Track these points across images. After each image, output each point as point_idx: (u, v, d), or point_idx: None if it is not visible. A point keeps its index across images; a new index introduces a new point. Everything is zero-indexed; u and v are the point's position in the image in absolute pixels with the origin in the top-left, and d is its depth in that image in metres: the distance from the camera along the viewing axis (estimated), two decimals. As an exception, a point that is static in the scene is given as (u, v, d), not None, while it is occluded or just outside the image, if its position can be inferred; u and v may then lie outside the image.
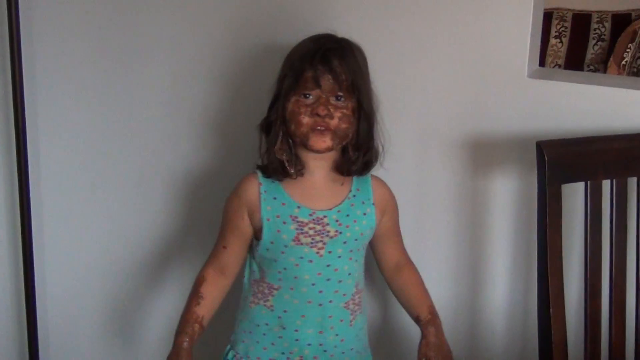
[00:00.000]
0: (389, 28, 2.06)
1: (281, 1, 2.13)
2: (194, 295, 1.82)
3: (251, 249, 1.85)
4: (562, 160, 1.73)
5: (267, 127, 1.80)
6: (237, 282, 1.89)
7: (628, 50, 4.18)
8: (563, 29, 4.62)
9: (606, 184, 1.79)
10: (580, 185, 1.78)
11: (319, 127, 1.72)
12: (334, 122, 1.72)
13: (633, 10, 4.59)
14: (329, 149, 1.74)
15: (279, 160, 1.77)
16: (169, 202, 2.35)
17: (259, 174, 1.82)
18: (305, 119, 1.72)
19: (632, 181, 1.81)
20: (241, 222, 1.81)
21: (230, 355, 1.88)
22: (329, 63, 1.71)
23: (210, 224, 1.96)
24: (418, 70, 2.06)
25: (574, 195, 1.86)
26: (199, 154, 2.29)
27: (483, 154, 2.04)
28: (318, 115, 1.71)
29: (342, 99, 1.73)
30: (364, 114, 1.77)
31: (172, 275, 2.37)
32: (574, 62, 4.56)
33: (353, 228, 1.80)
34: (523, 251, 2.06)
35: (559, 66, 4.58)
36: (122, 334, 2.45)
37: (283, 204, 1.78)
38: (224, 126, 2.25)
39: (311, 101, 1.73)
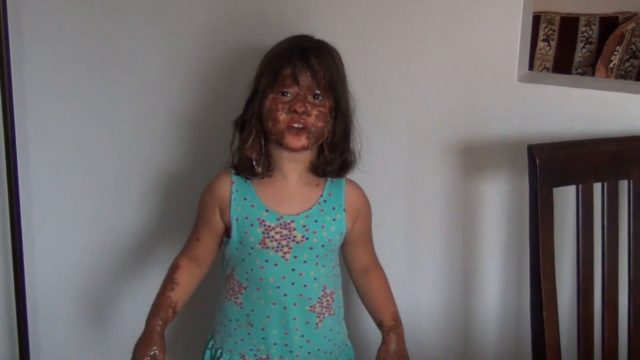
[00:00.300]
0: (379, 32, 2.06)
1: (265, 3, 2.13)
2: (169, 281, 1.83)
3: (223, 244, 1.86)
4: (553, 164, 1.73)
5: (241, 124, 1.80)
6: (216, 274, 1.90)
7: (616, 53, 4.20)
8: (551, 32, 4.64)
9: (597, 187, 1.79)
10: (572, 189, 1.78)
11: (295, 124, 1.71)
12: (310, 120, 1.72)
13: (620, 13, 4.61)
14: (304, 148, 1.74)
15: (248, 158, 1.78)
16: (153, 199, 2.37)
17: (232, 172, 1.82)
18: (282, 116, 1.72)
19: (623, 184, 1.81)
20: (212, 217, 1.83)
21: (210, 344, 1.93)
22: (308, 60, 1.72)
23: (190, 220, 1.96)
24: (408, 74, 2.06)
25: (566, 198, 1.86)
26: (180, 153, 2.31)
27: (474, 157, 2.04)
28: (295, 112, 1.71)
29: (320, 97, 1.73)
30: (340, 114, 1.77)
31: (155, 268, 2.36)
32: (562, 65, 4.58)
33: (320, 234, 1.80)
34: (515, 254, 2.06)
35: (547, 69, 4.60)
36: (108, 329, 2.49)
37: (252, 205, 1.79)
38: (204, 125, 2.26)
39: (289, 99, 1.72)
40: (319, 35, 1.82)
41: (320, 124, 1.73)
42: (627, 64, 4.13)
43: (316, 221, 1.80)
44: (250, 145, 1.77)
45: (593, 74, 4.44)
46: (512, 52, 1.98)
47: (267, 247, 1.78)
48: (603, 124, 1.92)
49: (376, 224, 2.00)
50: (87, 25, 2.26)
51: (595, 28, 4.59)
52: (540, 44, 4.63)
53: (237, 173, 1.81)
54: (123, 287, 2.45)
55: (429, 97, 2.06)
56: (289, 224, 1.78)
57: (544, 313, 1.73)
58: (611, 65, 4.18)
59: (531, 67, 4.54)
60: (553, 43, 4.63)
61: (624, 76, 4.12)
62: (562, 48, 4.62)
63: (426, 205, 2.13)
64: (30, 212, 2.41)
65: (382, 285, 1.92)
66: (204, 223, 1.84)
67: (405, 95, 2.08)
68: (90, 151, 2.36)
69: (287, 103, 1.72)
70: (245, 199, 1.79)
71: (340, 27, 2.06)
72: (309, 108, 1.72)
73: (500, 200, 2.05)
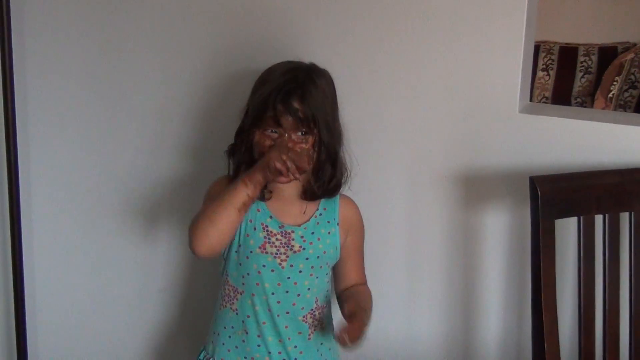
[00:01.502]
0: (381, 61, 2.07)
1: (263, 27, 2.14)
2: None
3: None
4: (555, 195, 1.74)
5: (233, 153, 1.88)
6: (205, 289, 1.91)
7: (615, 82, 4.21)
8: (550, 61, 4.66)
9: (599, 219, 1.80)
10: (573, 220, 1.79)
11: None
12: None
13: (619, 43, 4.63)
14: (290, 181, 1.77)
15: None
16: (155, 225, 2.38)
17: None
18: (266, 152, 1.77)
19: (625, 216, 1.82)
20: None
21: (202, 355, 1.96)
22: (288, 104, 1.76)
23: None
24: (410, 105, 2.07)
25: (567, 229, 1.86)
26: (183, 170, 2.32)
27: (475, 188, 2.04)
28: None
29: (304, 133, 1.79)
30: (324, 147, 1.82)
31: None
32: (561, 95, 4.60)
33: (317, 246, 1.85)
34: (516, 285, 2.06)
35: (546, 99, 4.61)
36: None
37: (258, 210, 1.84)
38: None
39: (275, 136, 1.79)
40: (318, 62, 1.85)
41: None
42: (626, 94, 4.14)
43: (312, 233, 1.86)
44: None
45: (592, 104, 4.46)
46: (514, 83, 1.99)
47: (266, 252, 1.83)
48: (604, 156, 1.93)
49: (377, 252, 2.01)
50: (92, 33, 2.30)
51: (595, 58, 4.61)
52: (540, 74, 4.65)
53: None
54: (123, 321, 2.46)
55: (431, 128, 2.07)
56: (289, 233, 1.84)
57: (545, 344, 1.73)
58: (610, 95, 4.20)
59: (530, 97, 4.56)
60: (552, 72, 4.65)
61: (623, 106, 4.13)
62: (561, 78, 4.64)
63: (427, 235, 2.13)
64: (31, 237, 2.42)
65: (364, 292, 1.93)
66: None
67: (406, 125, 2.09)
68: (92, 179, 2.38)
69: (275, 140, 1.78)
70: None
71: (340, 55, 2.07)
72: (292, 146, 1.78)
73: (501, 231, 2.05)
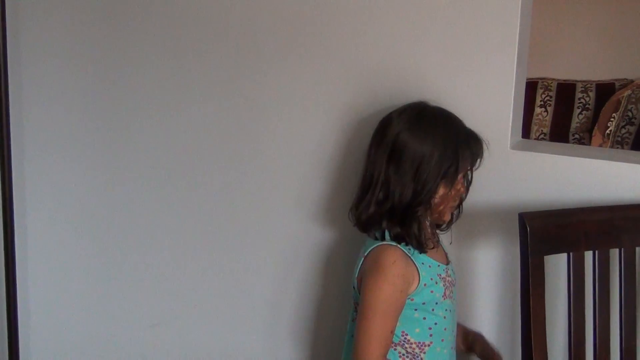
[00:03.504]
0: (374, 98, 2.09)
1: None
2: None
3: None
4: (544, 232, 1.75)
5: (411, 209, 1.84)
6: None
7: (612, 119, 4.23)
8: (548, 98, 4.68)
9: (589, 255, 1.80)
10: (563, 256, 1.79)
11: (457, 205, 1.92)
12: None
13: (617, 80, 4.66)
14: None
15: (422, 236, 1.86)
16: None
17: (397, 244, 1.85)
18: (453, 201, 1.88)
19: (614, 252, 1.82)
20: (404, 297, 1.84)
21: None
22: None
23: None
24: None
25: (558, 265, 1.87)
26: (182, 207, 2.31)
27: (466, 224, 2.05)
28: (460, 196, 1.90)
29: None
30: None
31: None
32: (559, 131, 4.61)
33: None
34: (507, 322, 2.05)
35: (544, 135, 4.62)
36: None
37: (429, 266, 1.87)
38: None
39: (459, 185, 1.87)
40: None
41: None
42: (623, 131, 4.15)
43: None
44: (424, 226, 1.87)
45: (590, 140, 4.47)
46: (505, 119, 2.00)
47: (446, 297, 1.89)
48: (595, 192, 1.93)
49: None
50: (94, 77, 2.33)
51: (592, 94, 4.63)
52: (538, 110, 4.67)
53: (406, 244, 1.85)
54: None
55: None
56: (447, 270, 1.92)
57: (535, 383, 1.73)
58: (607, 131, 4.21)
59: (528, 133, 4.58)
60: (550, 109, 4.67)
61: (620, 142, 4.14)
62: (559, 114, 4.65)
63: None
64: (25, 244, 2.45)
65: None
66: (397, 309, 1.83)
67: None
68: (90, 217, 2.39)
69: (458, 190, 1.87)
70: (422, 263, 1.86)
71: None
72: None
73: (492, 268, 2.05)
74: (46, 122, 2.39)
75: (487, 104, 1.99)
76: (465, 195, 1.91)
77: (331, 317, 2.23)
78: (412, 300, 1.83)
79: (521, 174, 2.00)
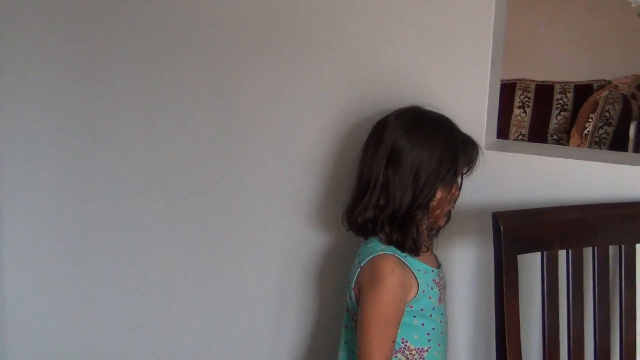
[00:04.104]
0: (349, 111, 2.10)
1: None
2: None
3: None
4: (518, 231, 1.75)
5: (410, 213, 1.84)
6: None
7: (590, 120, 4.25)
8: (526, 99, 4.70)
9: (562, 254, 1.81)
10: (537, 255, 1.80)
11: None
12: None
13: (595, 81, 4.69)
14: None
15: (417, 239, 1.86)
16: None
17: (396, 252, 1.85)
18: (448, 204, 1.89)
19: (588, 251, 1.83)
20: (403, 305, 1.84)
21: None
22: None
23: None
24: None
25: (532, 264, 1.87)
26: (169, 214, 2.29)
27: (442, 224, 2.06)
28: (455, 199, 1.91)
29: None
30: None
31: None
32: (538, 132, 4.63)
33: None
34: (484, 321, 2.06)
35: (523, 136, 4.65)
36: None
37: (425, 272, 1.87)
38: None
39: (455, 188, 1.89)
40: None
41: None
42: (601, 131, 4.18)
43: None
44: (421, 230, 1.87)
45: (568, 141, 4.49)
46: (480, 120, 2.01)
47: (442, 301, 1.91)
48: (571, 192, 1.94)
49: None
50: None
51: (570, 95, 4.66)
52: (516, 111, 4.69)
53: (403, 251, 1.86)
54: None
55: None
56: (439, 274, 1.93)
57: (509, 381, 1.73)
58: (585, 132, 4.23)
59: (507, 134, 4.60)
60: (529, 110, 4.69)
61: (598, 143, 4.17)
62: (538, 115, 4.68)
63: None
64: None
65: None
66: (398, 318, 1.83)
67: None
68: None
69: (453, 194, 1.89)
70: (419, 270, 1.86)
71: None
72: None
73: (468, 267, 2.06)
74: (24, 126, 2.39)
75: (461, 104, 2.00)
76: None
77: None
78: (411, 307, 1.84)
79: (496, 174, 2.00)
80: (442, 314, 1.91)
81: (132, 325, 2.39)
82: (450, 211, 1.94)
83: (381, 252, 1.84)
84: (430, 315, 1.87)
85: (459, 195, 1.91)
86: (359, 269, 1.86)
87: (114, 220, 2.38)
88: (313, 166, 2.16)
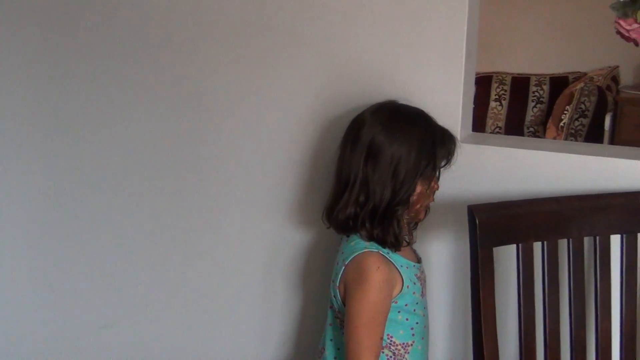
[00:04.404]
0: (333, 101, 2.10)
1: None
2: None
3: None
4: (493, 224, 1.76)
5: (391, 209, 1.84)
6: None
7: (566, 112, 4.27)
8: (503, 92, 4.72)
9: (537, 246, 1.81)
10: (513, 247, 1.80)
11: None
12: None
13: (570, 73, 4.71)
14: None
15: (399, 235, 1.86)
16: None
17: (380, 249, 1.85)
18: (427, 198, 1.89)
19: (563, 243, 1.84)
20: (389, 301, 1.84)
21: None
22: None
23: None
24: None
25: (508, 256, 1.88)
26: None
27: (419, 217, 2.06)
28: (433, 192, 1.91)
29: None
30: None
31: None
32: (514, 124, 4.66)
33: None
34: (460, 313, 2.07)
35: (500, 128, 4.66)
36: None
37: (407, 267, 1.88)
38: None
39: (433, 182, 1.89)
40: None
41: None
42: (576, 123, 4.20)
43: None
44: (401, 225, 1.87)
45: (544, 133, 4.52)
46: (455, 113, 2.01)
47: (424, 295, 1.93)
48: (546, 184, 1.95)
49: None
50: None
51: (546, 88, 4.68)
52: (493, 104, 4.71)
53: (384, 247, 1.86)
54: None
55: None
56: (420, 268, 1.95)
57: (486, 374, 1.74)
58: (561, 124, 4.25)
59: (483, 127, 4.62)
60: (505, 103, 4.71)
61: (574, 135, 4.19)
62: (514, 108, 4.70)
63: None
64: None
65: None
66: (384, 317, 1.83)
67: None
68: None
69: (432, 187, 1.89)
70: (401, 265, 1.87)
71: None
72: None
73: (444, 260, 2.07)
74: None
75: (436, 98, 2.00)
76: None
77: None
78: (395, 302, 1.85)
79: (472, 167, 2.01)
80: (424, 308, 1.92)
81: (103, 323, 2.39)
82: (429, 204, 1.94)
83: (365, 250, 1.84)
84: (414, 310, 1.88)
85: (438, 188, 1.92)
86: (343, 267, 1.86)
87: (87, 217, 2.37)
88: (291, 164, 2.16)
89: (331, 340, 1.95)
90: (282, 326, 2.27)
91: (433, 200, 1.93)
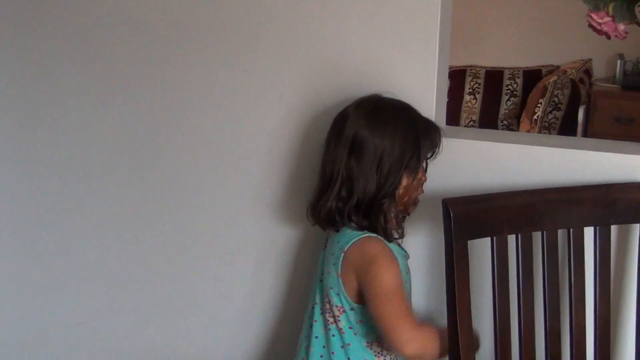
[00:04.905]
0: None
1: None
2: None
3: (359, 311, 1.89)
4: (467, 217, 1.76)
5: (376, 202, 1.85)
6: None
7: (539, 105, 4.29)
8: (476, 85, 4.73)
9: (512, 239, 1.82)
10: (487, 241, 1.81)
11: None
12: None
13: (543, 66, 4.73)
14: None
15: (389, 228, 1.88)
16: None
17: (378, 237, 1.87)
18: (415, 191, 1.90)
19: (537, 235, 1.84)
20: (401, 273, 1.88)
21: None
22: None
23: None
24: (325, 130, 2.09)
25: (482, 250, 1.89)
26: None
27: (394, 211, 2.06)
28: (421, 185, 1.92)
29: None
30: None
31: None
32: (488, 118, 4.67)
33: None
34: (436, 307, 2.07)
35: (474, 122, 4.67)
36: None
37: (401, 257, 1.91)
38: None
39: (420, 174, 1.89)
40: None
41: None
42: (550, 116, 4.22)
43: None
44: (390, 219, 1.88)
45: (518, 126, 4.54)
46: (429, 107, 2.01)
47: (410, 286, 1.95)
48: (520, 177, 1.97)
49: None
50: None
51: (520, 81, 4.70)
52: (467, 97, 4.72)
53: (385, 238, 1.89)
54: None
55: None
56: (407, 264, 1.95)
57: (462, 365, 1.75)
58: (535, 117, 4.27)
59: (458, 120, 4.63)
60: (479, 96, 4.72)
61: (547, 128, 4.21)
62: (488, 101, 4.71)
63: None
64: None
65: None
66: (403, 286, 1.86)
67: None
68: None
69: (419, 179, 1.89)
70: (397, 254, 1.89)
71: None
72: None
73: (420, 254, 2.07)
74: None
75: (410, 92, 2.00)
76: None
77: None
78: None
79: (446, 161, 2.01)
80: (412, 302, 1.95)
81: (79, 320, 2.37)
82: (417, 197, 1.94)
83: (364, 235, 1.86)
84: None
85: (425, 180, 1.92)
86: (342, 254, 1.85)
87: (62, 213, 2.36)
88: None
89: (317, 337, 1.94)
90: (268, 323, 2.28)
91: (423, 192, 1.93)
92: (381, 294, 1.81)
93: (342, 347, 1.90)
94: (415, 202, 1.94)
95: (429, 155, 1.90)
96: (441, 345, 1.82)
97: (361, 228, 1.86)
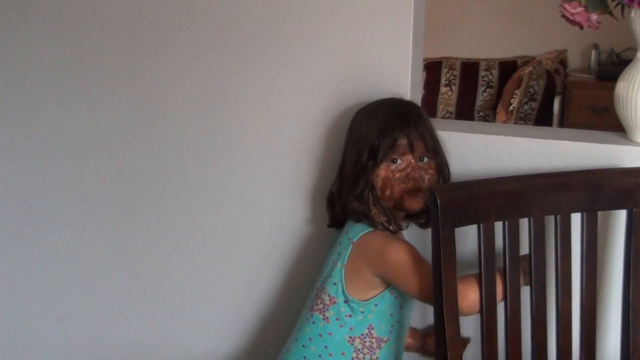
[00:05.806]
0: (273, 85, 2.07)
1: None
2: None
3: (352, 305, 1.88)
4: (454, 204, 1.75)
5: (359, 199, 1.85)
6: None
7: (515, 96, 4.30)
8: (452, 77, 4.73)
9: (499, 226, 1.81)
10: (474, 228, 1.79)
11: (415, 190, 1.85)
12: (425, 183, 1.86)
13: (519, 57, 4.74)
14: (421, 208, 1.87)
15: (380, 222, 1.87)
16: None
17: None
18: (398, 185, 1.85)
19: (524, 222, 1.83)
20: None
21: None
22: (419, 129, 1.84)
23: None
24: (301, 121, 2.10)
25: (469, 237, 1.88)
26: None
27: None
28: (413, 179, 1.85)
29: (426, 159, 1.87)
30: (445, 171, 1.92)
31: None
32: (465, 109, 4.67)
33: None
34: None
35: (450, 113, 4.68)
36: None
37: None
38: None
39: (403, 166, 1.84)
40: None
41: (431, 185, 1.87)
42: (526, 107, 4.23)
43: None
44: (376, 212, 1.87)
45: (495, 117, 4.54)
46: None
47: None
48: (496, 168, 1.98)
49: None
50: None
51: (495, 72, 4.71)
52: (443, 89, 4.72)
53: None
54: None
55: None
56: None
57: (448, 354, 1.73)
58: (511, 108, 4.28)
59: (434, 112, 4.63)
60: (455, 88, 4.72)
61: (523, 118, 4.22)
62: (464, 93, 4.72)
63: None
64: None
65: None
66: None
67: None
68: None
69: (402, 171, 1.84)
70: None
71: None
72: (422, 173, 1.85)
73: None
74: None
75: (384, 85, 2.00)
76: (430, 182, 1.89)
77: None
78: (392, 293, 1.88)
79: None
80: (410, 310, 1.95)
81: (58, 317, 2.35)
82: (423, 194, 1.87)
83: (372, 230, 1.87)
84: (401, 307, 1.90)
85: (411, 174, 1.86)
86: (350, 245, 1.87)
87: (42, 208, 2.33)
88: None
89: (310, 340, 1.93)
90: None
91: (418, 188, 1.87)
92: (405, 270, 1.82)
93: (319, 335, 1.90)
94: (416, 198, 1.87)
95: (392, 150, 1.84)
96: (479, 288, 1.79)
97: (357, 219, 1.88)
